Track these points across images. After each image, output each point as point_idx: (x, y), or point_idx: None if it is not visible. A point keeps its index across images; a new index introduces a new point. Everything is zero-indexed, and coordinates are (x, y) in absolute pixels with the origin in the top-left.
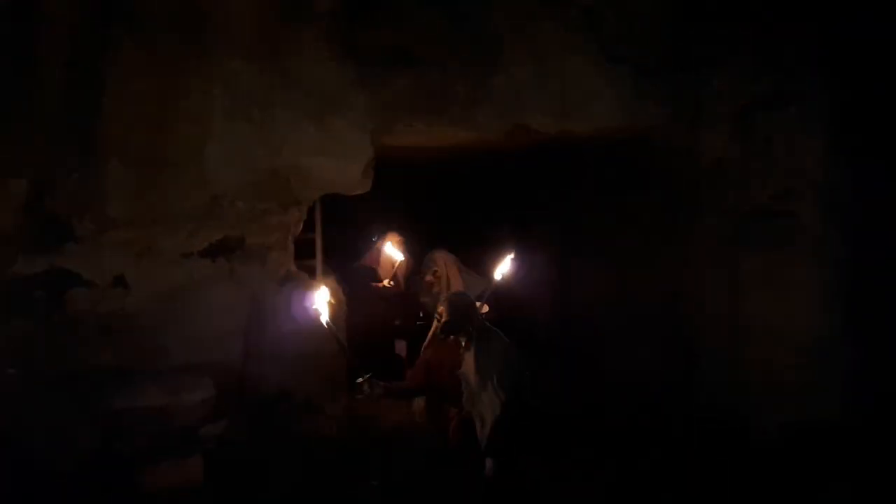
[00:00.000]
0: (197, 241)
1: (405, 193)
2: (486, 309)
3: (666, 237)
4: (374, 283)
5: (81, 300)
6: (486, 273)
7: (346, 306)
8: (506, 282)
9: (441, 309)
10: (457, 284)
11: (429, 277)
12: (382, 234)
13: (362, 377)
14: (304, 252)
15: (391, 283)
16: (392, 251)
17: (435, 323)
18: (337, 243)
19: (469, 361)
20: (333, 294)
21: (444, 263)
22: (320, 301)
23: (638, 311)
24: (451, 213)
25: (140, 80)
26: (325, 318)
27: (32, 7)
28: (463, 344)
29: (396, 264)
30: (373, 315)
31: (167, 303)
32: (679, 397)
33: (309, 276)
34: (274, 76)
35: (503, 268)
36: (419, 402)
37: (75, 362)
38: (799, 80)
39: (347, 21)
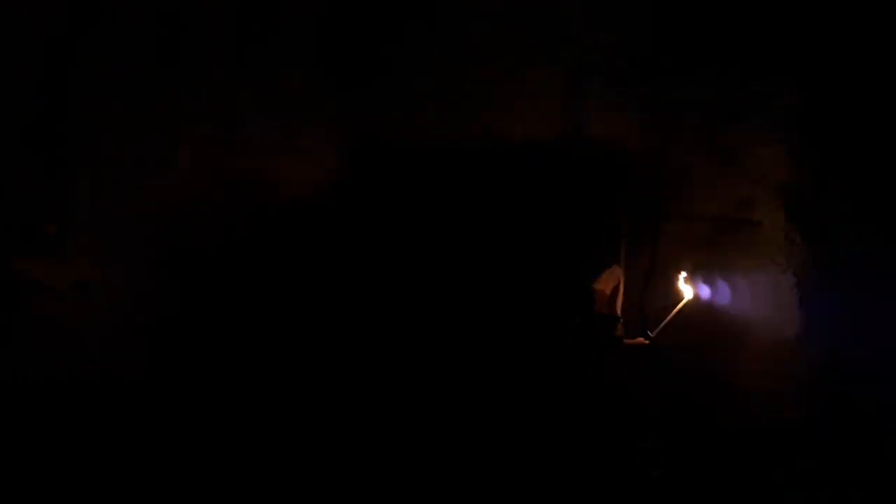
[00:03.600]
0: (164, 248)
1: None
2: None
3: (633, 243)
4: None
5: (43, 306)
6: None
7: None
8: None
9: None
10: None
11: None
12: None
13: None
14: None
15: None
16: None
17: None
18: None
19: None
20: None
21: None
22: None
23: None
24: None
25: (108, 85)
26: None
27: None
28: None
29: None
30: None
31: (132, 311)
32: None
33: None
34: (244, 81)
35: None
36: None
37: (34, 370)
38: (764, 90)
39: (320, 29)
